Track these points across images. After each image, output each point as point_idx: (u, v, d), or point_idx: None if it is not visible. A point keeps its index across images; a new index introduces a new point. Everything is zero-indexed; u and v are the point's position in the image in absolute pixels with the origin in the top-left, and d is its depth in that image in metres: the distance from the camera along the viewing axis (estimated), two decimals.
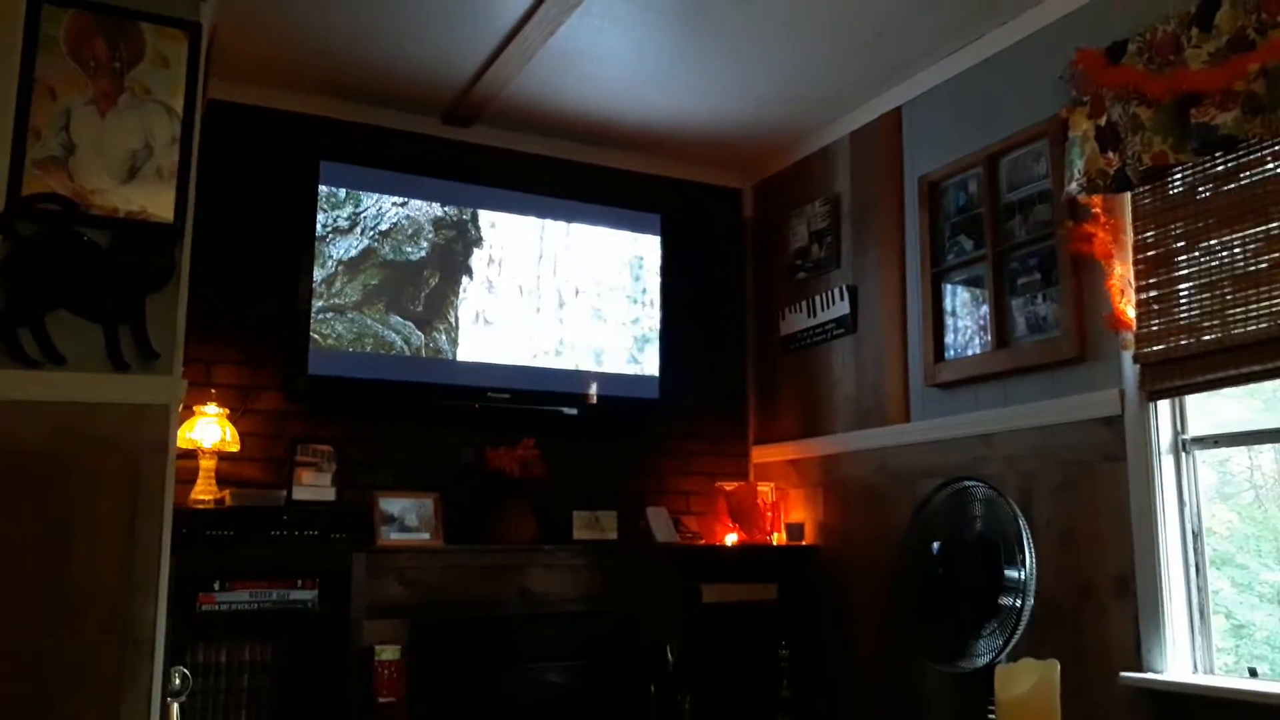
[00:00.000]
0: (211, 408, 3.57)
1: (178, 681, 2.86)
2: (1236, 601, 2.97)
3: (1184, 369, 2.85)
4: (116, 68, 2.50)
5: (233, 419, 3.64)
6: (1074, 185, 3.05)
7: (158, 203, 2.50)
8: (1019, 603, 2.94)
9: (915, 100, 3.92)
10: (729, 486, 4.46)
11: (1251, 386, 2.83)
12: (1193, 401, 2.95)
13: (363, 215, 3.93)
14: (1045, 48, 3.32)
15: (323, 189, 3.86)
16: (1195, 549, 2.89)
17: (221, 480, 3.57)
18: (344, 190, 3.90)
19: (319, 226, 3.84)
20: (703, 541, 4.39)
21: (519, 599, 3.68)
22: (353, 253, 3.90)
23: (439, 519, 3.79)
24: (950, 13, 3.44)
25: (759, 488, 4.42)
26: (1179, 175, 2.89)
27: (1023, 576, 2.95)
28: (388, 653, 3.42)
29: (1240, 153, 2.73)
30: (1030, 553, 2.96)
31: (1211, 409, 2.96)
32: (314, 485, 3.68)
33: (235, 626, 3.29)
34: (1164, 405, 2.96)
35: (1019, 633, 2.93)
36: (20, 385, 2.34)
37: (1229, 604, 2.94)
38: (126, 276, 2.46)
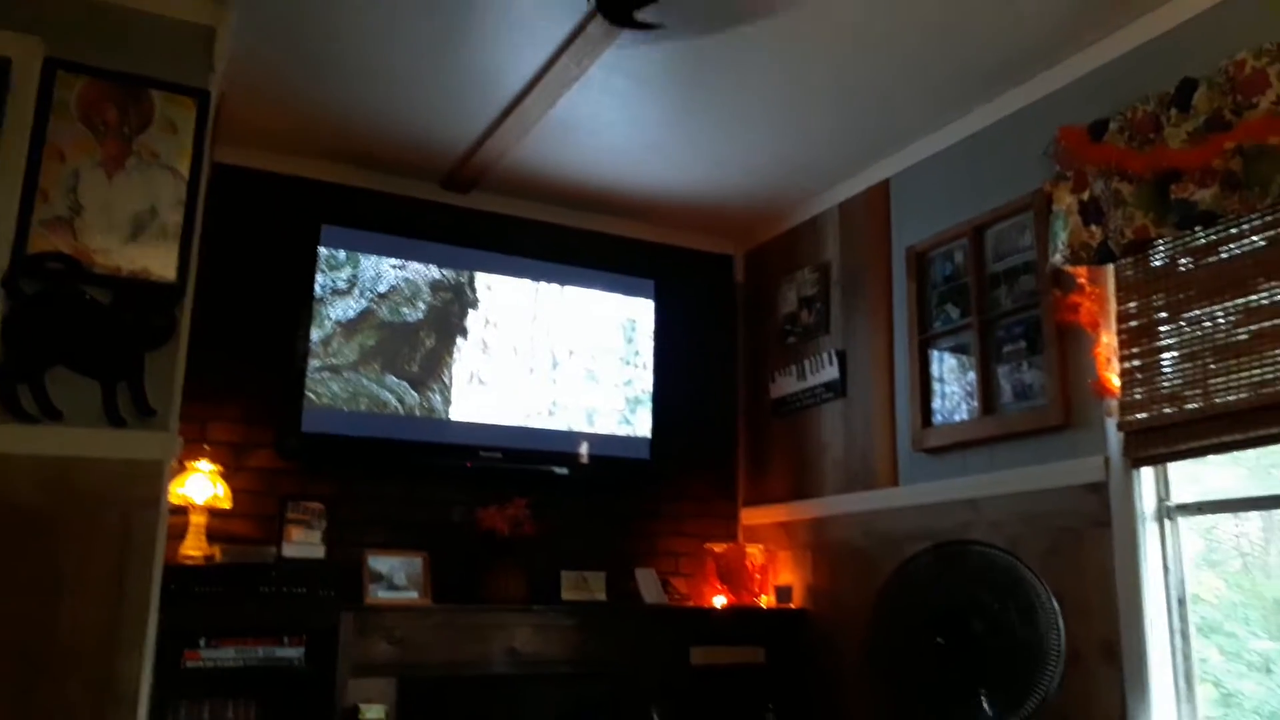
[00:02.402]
0: (205, 464, 3.58)
1: None
2: (1225, 670, 2.96)
3: (1167, 437, 2.89)
4: (125, 132, 2.56)
5: (225, 476, 3.65)
6: (1058, 257, 3.12)
7: (161, 263, 2.55)
8: (1045, 667, 2.82)
9: (903, 172, 4.00)
10: (718, 548, 4.45)
11: (1236, 454, 2.86)
12: (1179, 468, 2.98)
13: (361, 277, 3.98)
14: (1029, 124, 3.41)
15: (323, 251, 3.92)
16: (1180, 615, 2.90)
17: (212, 536, 3.55)
18: (344, 252, 3.96)
19: (318, 288, 3.88)
20: (691, 603, 4.38)
21: (507, 659, 3.66)
22: (350, 314, 3.94)
23: (427, 578, 3.78)
24: (938, 90, 3.53)
25: (748, 549, 4.41)
26: (1160, 248, 2.95)
27: (1047, 638, 2.84)
28: (373, 712, 3.38)
29: (1219, 227, 2.80)
30: (1057, 614, 2.85)
31: (1198, 476, 2.98)
32: (304, 543, 3.67)
33: (220, 684, 3.25)
34: (1148, 472, 2.99)
35: (1047, 694, 2.81)
36: (15, 439, 2.36)
37: (1217, 672, 2.93)
38: (127, 334, 2.49)
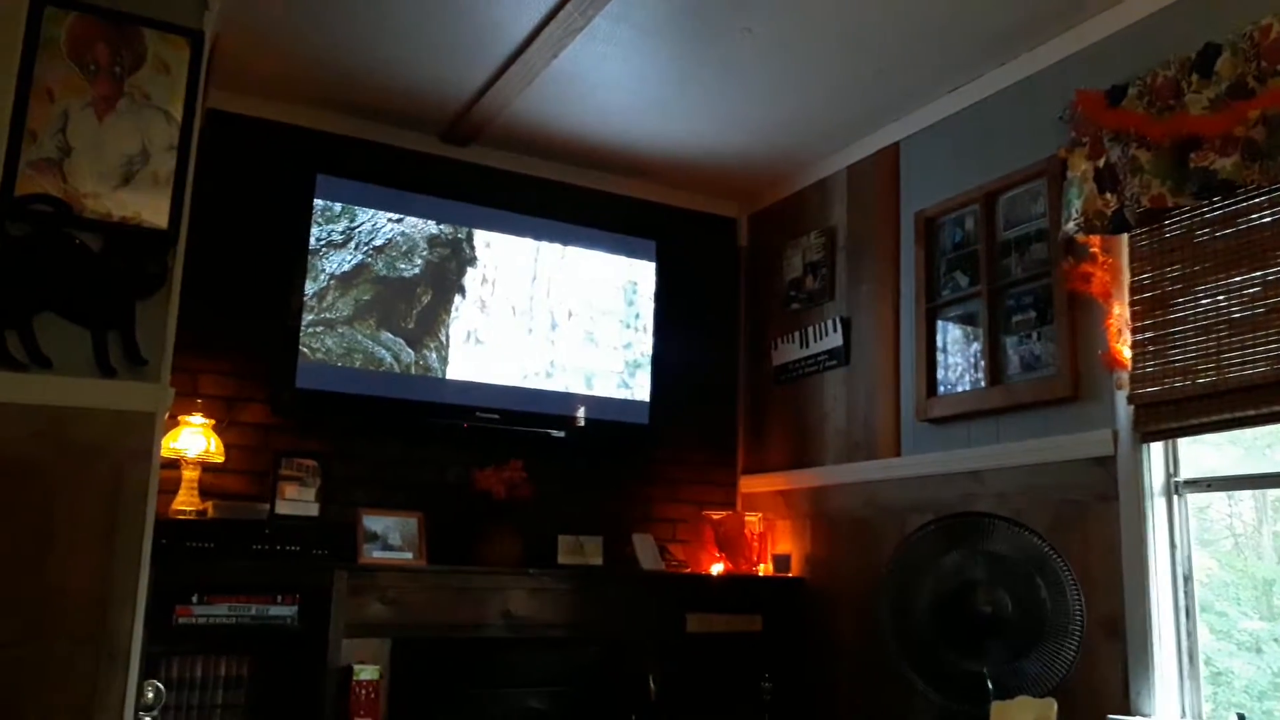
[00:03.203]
0: (197, 418, 3.53)
1: (151, 695, 2.82)
2: (1215, 649, 2.95)
3: (1178, 411, 2.84)
4: (117, 72, 2.48)
5: (218, 430, 3.60)
6: (1071, 225, 3.06)
7: (152, 209, 2.48)
8: (1068, 644, 2.80)
9: (914, 136, 3.93)
10: (716, 515, 4.43)
11: (1233, 434, 2.83)
12: (1181, 446, 2.95)
13: (357, 230, 3.91)
14: (1044, 89, 3.34)
15: (318, 202, 3.84)
16: (1185, 592, 2.88)
17: (204, 492, 3.53)
18: (339, 205, 3.89)
19: (313, 240, 3.82)
20: (688, 570, 4.36)
21: (502, 622, 3.64)
22: (346, 267, 3.87)
23: (423, 538, 3.75)
24: (951, 52, 3.46)
25: (746, 517, 4.39)
26: (1176, 218, 2.89)
27: (1068, 609, 2.81)
28: (366, 672, 3.36)
29: (1238, 198, 2.74)
30: (1080, 591, 2.81)
31: (1194, 455, 2.96)
32: (297, 500, 3.63)
33: (212, 640, 3.24)
34: (1157, 447, 2.95)
35: (1068, 671, 2.79)
36: (5, 388, 2.31)
37: (1208, 651, 2.92)
38: (117, 281, 2.43)
